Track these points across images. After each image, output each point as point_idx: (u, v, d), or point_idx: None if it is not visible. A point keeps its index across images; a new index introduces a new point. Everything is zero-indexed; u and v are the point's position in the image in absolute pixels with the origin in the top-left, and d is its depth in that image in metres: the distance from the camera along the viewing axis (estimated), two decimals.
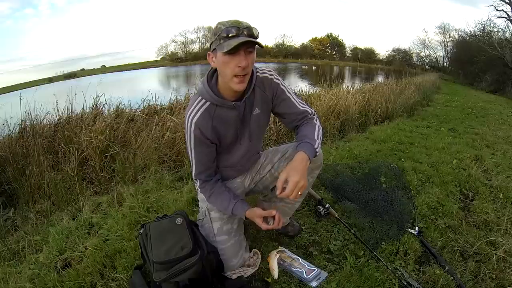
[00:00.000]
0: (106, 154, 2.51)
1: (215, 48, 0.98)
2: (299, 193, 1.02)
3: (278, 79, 1.17)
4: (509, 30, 16.14)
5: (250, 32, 0.95)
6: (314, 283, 1.20)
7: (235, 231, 1.26)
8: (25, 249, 1.56)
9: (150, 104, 3.95)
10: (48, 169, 2.31)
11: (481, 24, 18.23)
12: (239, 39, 0.93)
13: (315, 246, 1.45)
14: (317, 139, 1.13)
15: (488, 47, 15.02)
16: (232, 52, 0.94)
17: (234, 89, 1.02)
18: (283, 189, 1.01)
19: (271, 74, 1.17)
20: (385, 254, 1.38)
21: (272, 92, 1.17)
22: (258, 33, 0.98)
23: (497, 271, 1.27)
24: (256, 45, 0.98)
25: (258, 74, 1.14)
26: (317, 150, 1.10)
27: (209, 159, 1.17)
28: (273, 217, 1.11)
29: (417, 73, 12.70)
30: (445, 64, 30.16)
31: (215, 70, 1.09)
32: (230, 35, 0.93)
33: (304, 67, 25.54)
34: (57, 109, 3.17)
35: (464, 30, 26.47)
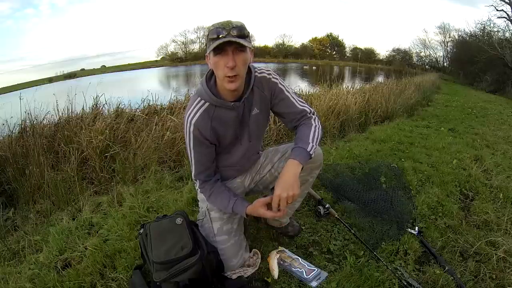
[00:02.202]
0: (106, 154, 2.51)
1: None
2: (288, 202, 1.06)
3: (276, 78, 1.17)
4: (509, 30, 16.18)
5: (240, 32, 0.95)
6: (314, 283, 1.20)
7: (235, 231, 1.26)
8: (25, 249, 1.56)
9: (150, 104, 3.96)
10: (48, 169, 2.31)
11: (481, 24, 18.28)
12: (225, 39, 0.93)
13: (315, 246, 1.45)
14: (312, 141, 1.13)
15: (488, 47, 15.03)
16: (220, 52, 0.95)
17: (226, 88, 1.03)
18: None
19: (269, 74, 1.17)
20: (385, 254, 1.38)
21: (271, 91, 1.17)
22: (248, 32, 0.98)
23: (497, 271, 1.27)
24: (253, 45, 1.00)
25: (256, 74, 1.14)
26: (310, 152, 1.11)
27: (209, 160, 1.17)
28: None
29: (417, 73, 12.68)
30: (445, 64, 30.18)
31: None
32: (219, 36, 0.94)
33: (306, 67, 25.57)
34: (57, 109, 3.17)
35: (464, 30, 26.55)
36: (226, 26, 0.94)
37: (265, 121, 1.26)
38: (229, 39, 0.93)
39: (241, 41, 0.94)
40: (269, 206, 1.11)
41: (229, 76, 0.98)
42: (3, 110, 3.08)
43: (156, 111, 3.66)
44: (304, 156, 1.09)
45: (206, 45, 1.01)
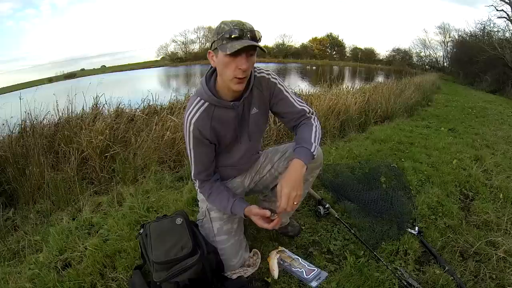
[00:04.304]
0: (106, 154, 2.51)
1: (216, 48, 0.98)
2: (295, 203, 1.04)
3: (275, 78, 1.18)
4: (509, 30, 16.11)
5: (253, 35, 0.95)
6: (314, 283, 1.20)
7: (235, 231, 1.26)
8: (25, 249, 1.56)
9: (150, 104, 3.97)
10: (48, 169, 2.31)
11: (481, 24, 18.20)
12: (242, 42, 0.92)
13: (315, 246, 1.45)
14: (314, 141, 1.13)
15: (488, 47, 14.99)
16: (234, 53, 0.94)
17: (232, 89, 1.03)
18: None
19: (268, 74, 1.17)
20: (385, 254, 1.38)
21: (270, 91, 1.17)
22: (261, 36, 0.98)
23: (497, 271, 1.27)
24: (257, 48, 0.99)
25: (255, 74, 1.14)
26: (314, 153, 1.11)
27: (208, 159, 1.17)
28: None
29: (417, 73, 12.69)
30: (445, 64, 30.10)
31: (214, 70, 1.09)
32: (233, 36, 0.93)
33: (308, 67, 25.60)
34: (57, 109, 3.18)
35: (464, 30, 26.34)
36: (243, 28, 0.94)
37: (265, 121, 1.26)
38: (252, 43, 0.93)
39: (261, 46, 0.96)
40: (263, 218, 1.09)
41: (239, 78, 0.98)
42: (3, 110, 3.08)
43: (156, 111, 3.67)
44: (308, 157, 1.09)
45: (213, 42, 0.99)
